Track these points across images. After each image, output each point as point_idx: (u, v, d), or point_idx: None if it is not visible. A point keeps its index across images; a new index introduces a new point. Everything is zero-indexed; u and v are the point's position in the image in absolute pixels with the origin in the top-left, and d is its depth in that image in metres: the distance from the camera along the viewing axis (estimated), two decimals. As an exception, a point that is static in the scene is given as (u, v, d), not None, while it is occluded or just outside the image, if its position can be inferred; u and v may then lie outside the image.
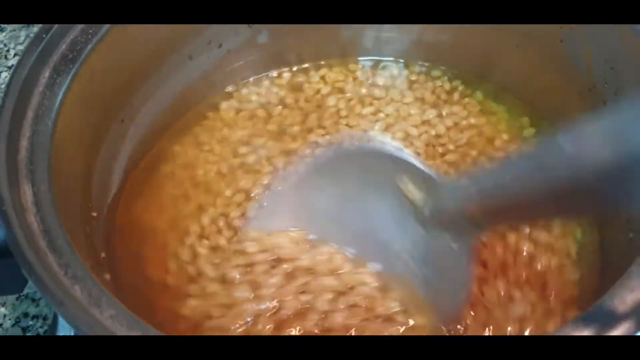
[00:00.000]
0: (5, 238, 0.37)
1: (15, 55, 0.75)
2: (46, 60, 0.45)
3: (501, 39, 0.57)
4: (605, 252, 0.48)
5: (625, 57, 0.46)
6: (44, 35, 0.45)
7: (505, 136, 0.56)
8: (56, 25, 0.46)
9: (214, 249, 0.51)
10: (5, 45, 0.76)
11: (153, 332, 0.33)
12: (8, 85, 0.43)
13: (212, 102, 0.62)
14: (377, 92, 0.61)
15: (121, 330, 0.33)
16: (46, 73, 0.44)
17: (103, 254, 0.47)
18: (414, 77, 0.62)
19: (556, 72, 0.54)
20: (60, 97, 0.44)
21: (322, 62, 0.64)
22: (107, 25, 0.48)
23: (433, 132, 0.57)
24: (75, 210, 0.44)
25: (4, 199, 0.38)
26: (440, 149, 0.56)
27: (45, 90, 0.44)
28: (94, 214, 0.48)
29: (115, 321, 0.33)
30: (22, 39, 0.77)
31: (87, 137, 0.48)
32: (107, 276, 0.45)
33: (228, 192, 0.54)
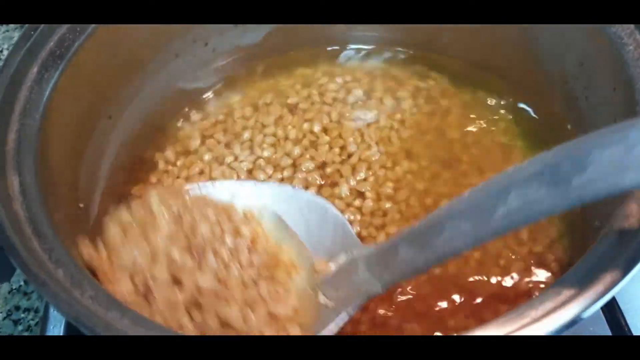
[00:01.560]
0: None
1: (8, 55, 0.77)
2: (34, 56, 0.47)
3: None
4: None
5: (594, 54, 0.48)
6: (32, 32, 0.48)
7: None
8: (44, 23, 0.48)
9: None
10: (-1, 45, 0.78)
11: (131, 312, 0.35)
12: (-4, 81, 0.45)
13: (197, 100, 0.64)
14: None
15: (100, 311, 0.35)
16: (34, 69, 0.47)
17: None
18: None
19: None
20: (48, 92, 0.47)
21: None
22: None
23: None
24: (63, 201, 0.46)
25: (-9, 188, 0.40)
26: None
27: (33, 85, 0.46)
28: (81, 205, 0.50)
29: (95, 302, 0.35)
30: (15, 39, 0.79)
31: (74, 131, 0.50)
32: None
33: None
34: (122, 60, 0.55)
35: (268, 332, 0.39)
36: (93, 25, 0.50)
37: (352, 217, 0.53)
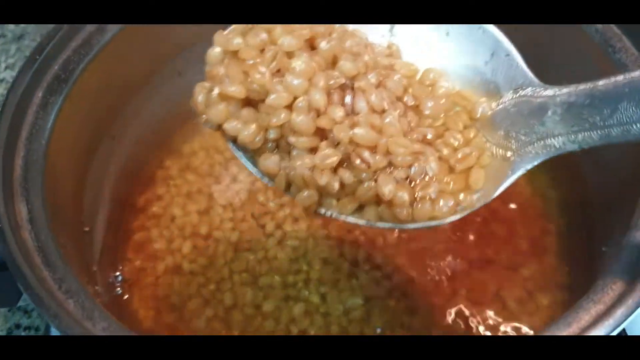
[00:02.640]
0: (1, 254, 0.40)
1: (6, 68, 0.77)
2: (39, 81, 0.48)
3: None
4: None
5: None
6: (37, 57, 0.48)
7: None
8: (49, 46, 0.49)
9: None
10: (-4, 58, 0.78)
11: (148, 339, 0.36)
12: (3, 106, 0.46)
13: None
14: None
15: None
16: (39, 93, 0.47)
17: (95, 267, 0.50)
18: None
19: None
20: (53, 116, 0.47)
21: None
22: (99, 44, 0.50)
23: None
24: (68, 226, 0.47)
25: (0, 217, 0.41)
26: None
27: (39, 110, 0.47)
28: (86, 229, 0.51)
29: (107, 333, 0.36)
30: (12, 52, 0.79)
31: (79, 153, 0.51)
32: (99, 288, 0.48)
33: (219, 210, 0.58)
34: (125, 80, 0.55)
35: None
36: (97, 47, 0.50)
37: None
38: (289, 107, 0.36)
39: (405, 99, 0.40)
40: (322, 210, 0.38)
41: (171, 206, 0.58)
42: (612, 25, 0.48)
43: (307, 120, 0.36)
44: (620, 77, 0.33)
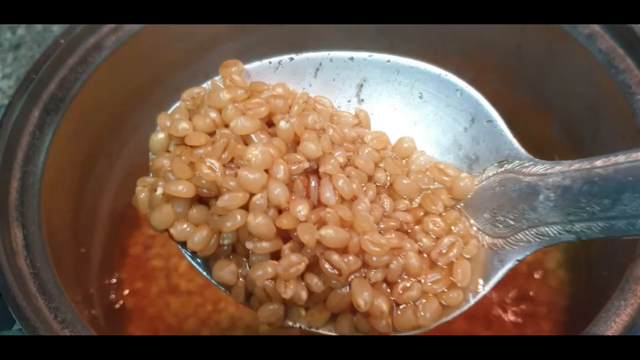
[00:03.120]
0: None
1: (3, 77, 0.77)
2: (36, 101, 0.48)
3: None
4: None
5: (603, 100, 0.49)
6: (34, 76, 0.48)
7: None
8: (46, 65, 0.48)
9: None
10: (-8, 68, 0.77)
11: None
12: (-1, 127, 0.45)
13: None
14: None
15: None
16: (36, 113, 0.47)
17: (91, 289, 0.50)
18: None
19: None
20: (49, 136, 0.47)
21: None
22: (96, 63, 0.50)
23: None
24: (64, 248, 0.47)
25: (-6, 243, 0.40)
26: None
27: (35, 130, 0.47)
28: (83, 250, 0.50)
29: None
30: (9, 61, 0.78)
31: (74, 173, 0.51)
32: (95, 311, 0.48)
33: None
34: (123, 97, 0.55)
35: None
36: (94, 65, 0.50)
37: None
38: (245, 206, 0.32)
39: (378, 175, 0.37)
40: (289, 323, 0.35)
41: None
42: (616, 46, 0.47)
43: (266, 222, 0.32)
44: (621, 158, 0.30)
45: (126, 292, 0.54)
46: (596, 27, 0.48)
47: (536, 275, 0.53)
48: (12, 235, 0.42)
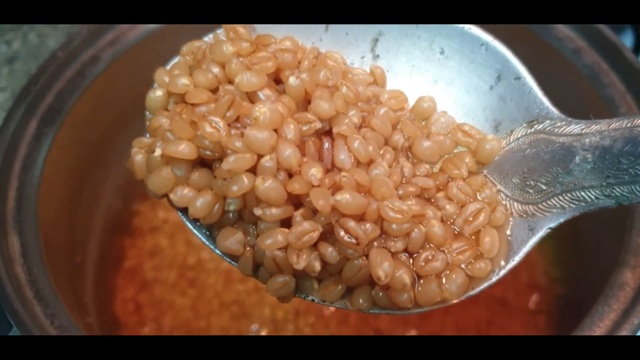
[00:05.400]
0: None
1: (0, 90, 0.78)
2: (34, 112, 0.49)
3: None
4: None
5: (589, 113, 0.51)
6: (31, 88, 0.49)
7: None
8: (44, 77, 0.50)
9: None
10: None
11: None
12: (-4, 139, 0.47)
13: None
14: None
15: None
16: (34, 124, 0.48)
17: (86, 298, 0.51)
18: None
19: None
20: (46, 147, 0.48)
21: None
22: (92, 75, 0.52)
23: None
24: (60, 256, 0.48)
25: (-8, 251, 0.41)
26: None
27: (33, 141, 0.48)
28: (78, 259, 0.52)
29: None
30: (4, 74, 0.80)
31: (71, 183, 0.52)
32: (89, 319, 0.49)
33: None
34: (118, 108, 0.57)
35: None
36: (91, 77, 0.52)
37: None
38: (252, 169, 0.30)
39: (395, 138, 0.34)
40: (302, 296, 0.32)
41: (161, 235, 0.59)
42: (600, 60, 0.50)
43: (276, 186, 0.29)
44: None
45: (120, 301, 0.55)
46: (581, 43, 0.50)
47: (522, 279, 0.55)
48: (9, 242, 0.42)
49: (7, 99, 0.78)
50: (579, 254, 0.53)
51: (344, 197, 0.29)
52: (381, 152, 0.33)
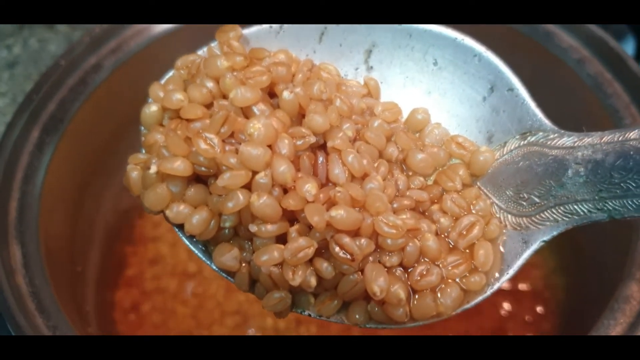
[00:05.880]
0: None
1: (0, 95, 0.78)
2: (36, 121, 0.49)
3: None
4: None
5: (593, 122, 0.51)
6: (34, 97, 0.49)
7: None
8: (45, 86, 0.50)
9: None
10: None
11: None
12: (-1, 147, 0.47)
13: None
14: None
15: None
16: (36, 133, 0.48)
17: (87, 307, 0.51)
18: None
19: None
20: (48, 156, 0.49)
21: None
22: (95, 83, 0.52)
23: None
24: (62, 266, 0.48)
25: (-6, 262, 0.41)
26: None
27: (35, 150, 0.48)
28: (79, 269, 0.51)
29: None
30: (5, 79, 0.80)
31: (72, 192, 0.52)
32: (91, 329, 0.49)
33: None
34: (120, 116, 0.56)
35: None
36: (93, 85, 0.52)
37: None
38: (248, 185, 0.30)
39: (389, 150, 0.34)
40: (298, 311, 0.33)
41: (162, 244, 0.59)
42: (604, 70, 0.49)
43: (271, 203, 0.29)
44: None
45: (121, 310, 0.55)
46: (585, 52, 0.50)
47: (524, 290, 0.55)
48: (11, 253, 0.42)
49: (7, 104, 0.78)
50: (583, 267, 0.53)
51: (339, 213, 0.29)
52: (375, 165, 0.33)
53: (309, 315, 0.32)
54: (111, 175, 0.58)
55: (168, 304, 0.56)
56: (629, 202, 0.28)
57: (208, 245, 0.33)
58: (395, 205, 0.32)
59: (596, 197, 0.29)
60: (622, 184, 0.28)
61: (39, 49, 0.82)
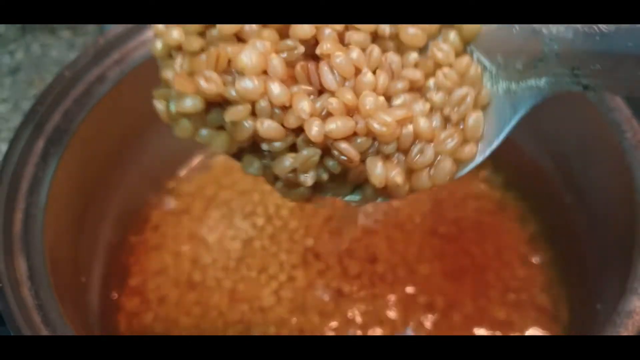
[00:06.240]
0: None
1: (1, 101, 0.78)
2: (41, 132, 0.49)
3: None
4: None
5: (595, 137, 0.51)
6: (38, 108, 0.49)
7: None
8: (50, 97, 0.50)
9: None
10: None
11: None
12: (5, 158, 0.47)
13: (196, 159, 0.67)
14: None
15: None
16: (40, 144, 0.49)
17: (91, 319, 0.51)
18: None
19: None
20: (53, 167, 0.49)
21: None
22: (99, 94, 0.52)
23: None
24: (66, 277, 0.48)
25: (0, 274, 0.41)
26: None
27: (40, 161, 0.48)
28: (83, 279, 0.52)
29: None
30: (7, 85, 0.80)
31: (76, 203, 0.53)
32: (95, 341, 0.49)
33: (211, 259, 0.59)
34: (123, 128, 0.57)
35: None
36: (97, 97, 0.52)
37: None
38: (253, 111, 0.33)
39: (381, 27, 0.35)
40: (320, 195, 0.36)
41: (165, 254, 0.60)
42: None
43: (273, 126, 0.33)
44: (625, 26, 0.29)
45: (124, 320, 0.56)
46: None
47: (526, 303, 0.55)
48: (16, 265, 0.43)
49: (9, 110, 0.78)
50: (584, 280, 0.53)
51: (334, 125, 0.32)
52: (368, 51, 0.34)
53: (328, 195, 0.36)
54: (113, 187, 0.58)
55: (171, 314, 0.56)
56: (599, 81, 0.30)
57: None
58: (393, 89, 0.34)
59: (571, 73, 0.31)
60: (591, 66, 0.30)
61: (41, 54, 0.83)
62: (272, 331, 0.54)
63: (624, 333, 0.39)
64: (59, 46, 0.85)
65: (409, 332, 0.54)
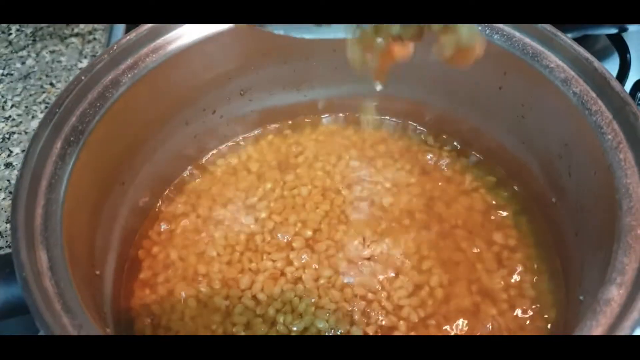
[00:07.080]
0: (23, 299, 0.43)
1: (12, 106, 0.80)
2: (58, 132, 0.52)
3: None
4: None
5: (578, 139, 0.54)
6: (56, 110, 0.52)
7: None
8: (67, 99, 0.52)
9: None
10: (2, 96, 0.81)
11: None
12: (25, 157, 0.50)
13: (203, 162, 0.70)
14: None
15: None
16: (58, 144, 0.51)
17: (105, 309, 0.53)
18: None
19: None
20: (70, 165, 0.51)
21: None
22: (113, 97, 0.55)
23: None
24: (82, 271, 0.51)
25: (23, 265, 0.44)
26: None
27: (58, 160, 0.51)
28: (97, 272, 0.54)
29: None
30: (19, 90, 0.82)
31: (92, 200, 0.55)
32: (109, 330, 0.51)
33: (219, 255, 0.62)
34: (136, 130, 0.60)
35: None
36: (112, 99, 0.54)
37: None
38: None
39: None
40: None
41: (175, 250, 0.62)
42: (589, 89, 0.53)
43: None
44: None
45: (136, 312, 0.58)
46: (571, 72, 0.53)
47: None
48: (37, 257, 0.45)
49: (21, 114, 0.80)
50: (568, 274, 0.56)
51: None
52: None
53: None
54: (126, 185, 0.60)
55: (178, 306, 0.58)
56: None
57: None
58: None
59: None
60: None
61: (51, 61, 0.85)
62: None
63: (603, 320, 0.42)
64: (69, 53, 0.87)
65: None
